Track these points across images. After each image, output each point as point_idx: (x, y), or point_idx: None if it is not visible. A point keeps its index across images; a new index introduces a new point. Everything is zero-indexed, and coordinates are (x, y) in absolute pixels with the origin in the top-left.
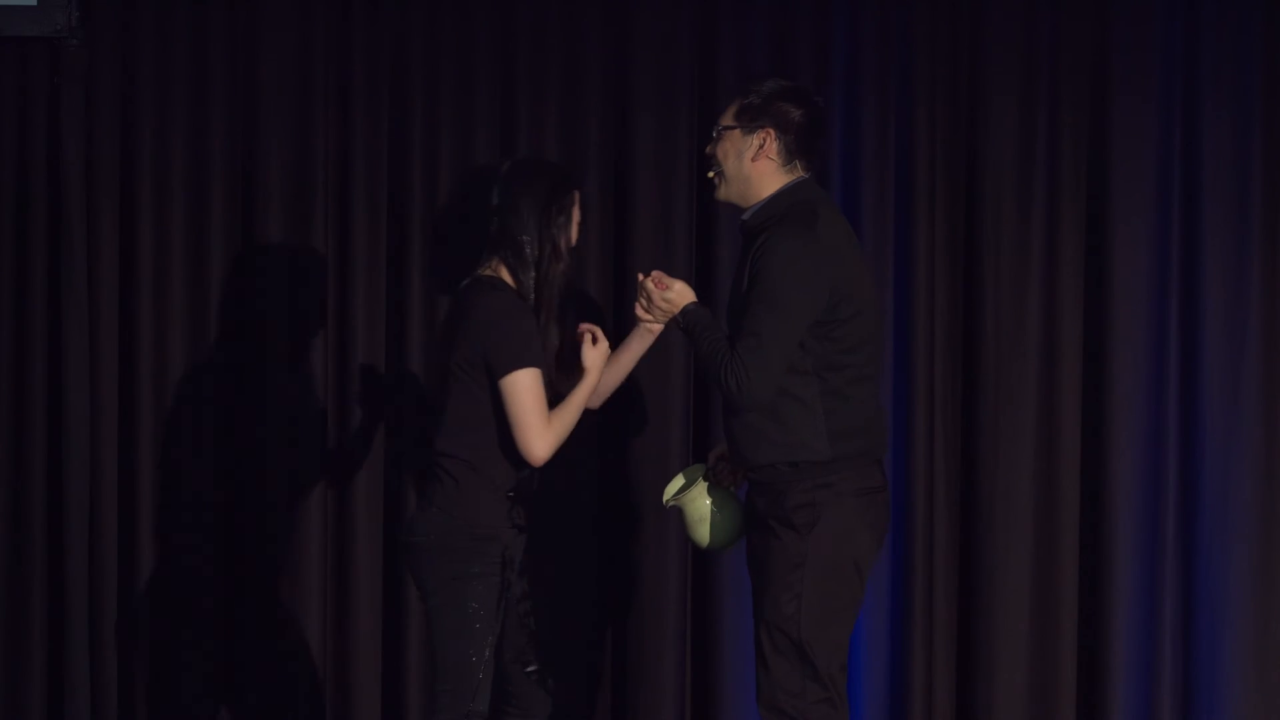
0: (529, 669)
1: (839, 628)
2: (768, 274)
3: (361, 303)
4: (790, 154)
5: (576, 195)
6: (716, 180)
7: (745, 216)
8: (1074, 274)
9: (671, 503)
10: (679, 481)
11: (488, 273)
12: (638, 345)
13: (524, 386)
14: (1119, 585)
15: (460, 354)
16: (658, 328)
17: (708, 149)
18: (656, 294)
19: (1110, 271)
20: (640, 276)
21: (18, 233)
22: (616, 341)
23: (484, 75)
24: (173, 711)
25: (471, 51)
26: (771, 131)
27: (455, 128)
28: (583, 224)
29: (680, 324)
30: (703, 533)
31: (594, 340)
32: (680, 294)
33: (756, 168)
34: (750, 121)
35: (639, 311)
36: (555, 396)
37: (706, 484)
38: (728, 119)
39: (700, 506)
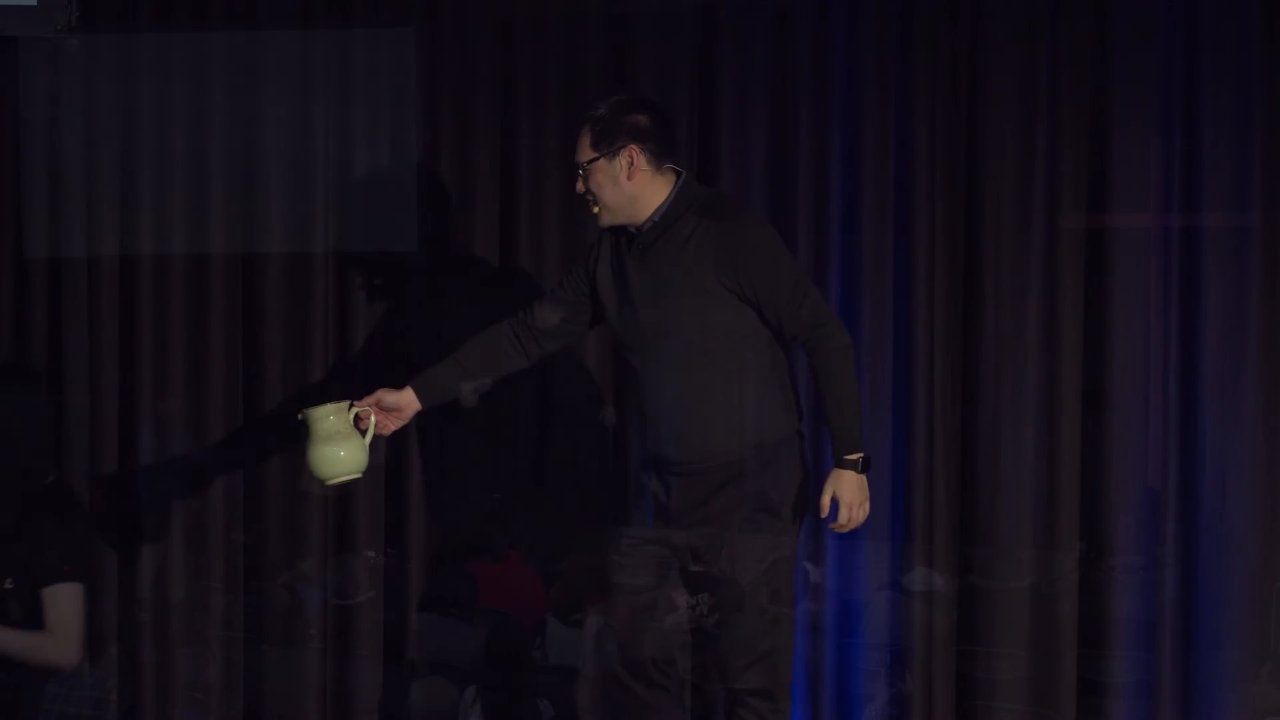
0: None
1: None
2: (764, 251)
3: (362, 301)
4: (658, 157)
5: None
6: (600, 213)
7: (646, 227)
8: (1074, 274)
9: (305, 417)
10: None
11: None
12: None
13: None
14: (1119, 586)
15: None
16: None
17: (578, 187)
18: (857, 516)
19: (1110, 271)
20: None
21: (18, 232)
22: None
23: (484, 82)
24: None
25: (471, 57)
26: (634, 146)
27: (454, 136)
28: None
29: (861, 462)
30: (325, 452)
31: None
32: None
33: (635, 184)
34: (610, 145)
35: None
36: None
37: (349, 414)
38: (586, 153)
39: (330, 426)
